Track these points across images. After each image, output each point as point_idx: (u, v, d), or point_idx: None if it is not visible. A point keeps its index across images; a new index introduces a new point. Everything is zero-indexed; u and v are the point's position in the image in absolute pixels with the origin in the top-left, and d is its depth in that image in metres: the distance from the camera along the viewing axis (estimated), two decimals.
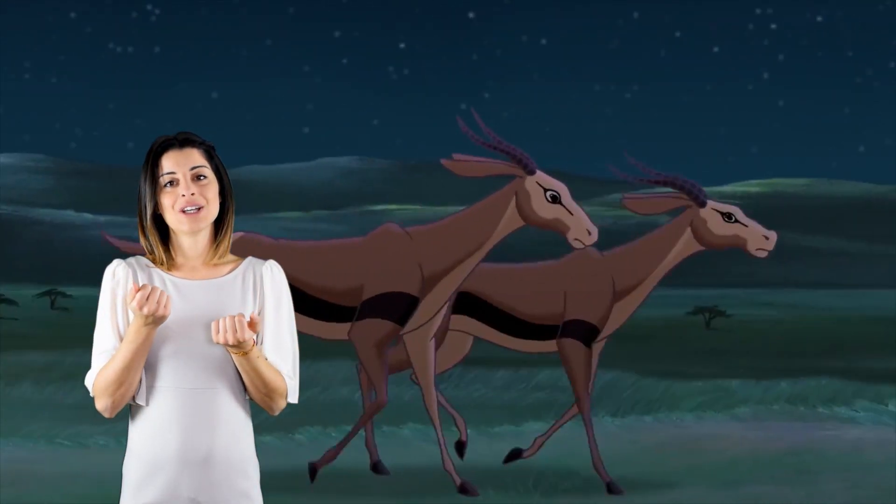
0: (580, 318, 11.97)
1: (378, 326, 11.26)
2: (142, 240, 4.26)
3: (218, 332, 4.05)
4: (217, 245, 4.29)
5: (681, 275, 12.03)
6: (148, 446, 4.14)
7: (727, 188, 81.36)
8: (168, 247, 4.27)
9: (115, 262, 4.25)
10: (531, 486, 11.83)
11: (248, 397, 4.25)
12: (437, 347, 12.02)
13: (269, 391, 4.16)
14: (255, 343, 4.11)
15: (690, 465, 12.58)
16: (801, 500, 11.50)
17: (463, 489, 11.52)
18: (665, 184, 11.89)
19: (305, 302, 11.10)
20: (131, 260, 4.27)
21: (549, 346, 12.28)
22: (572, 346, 11.93)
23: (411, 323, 11.44)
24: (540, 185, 11.34)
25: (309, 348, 12.32)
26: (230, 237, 4.34)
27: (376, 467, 12.15)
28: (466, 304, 12.17)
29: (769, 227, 11.74)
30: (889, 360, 13.41)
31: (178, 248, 4.26)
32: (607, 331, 12.05)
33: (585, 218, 11.34)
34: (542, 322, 12.19)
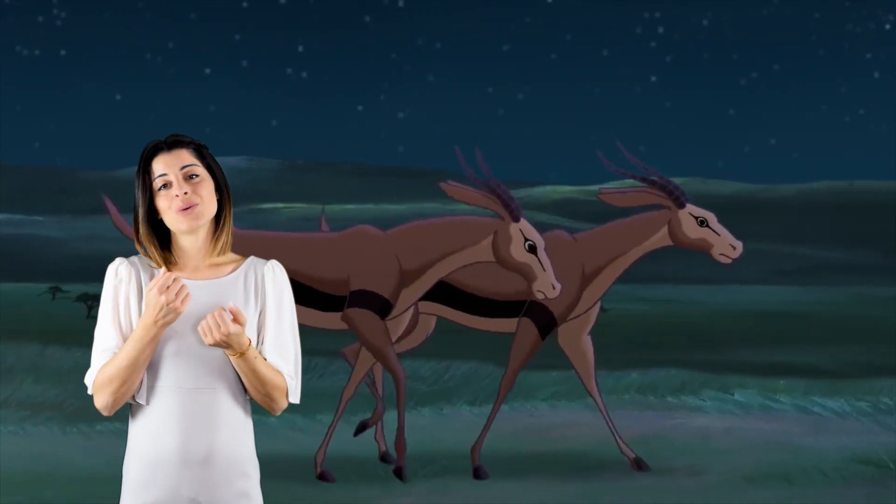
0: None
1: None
2: (138, 247, 4.21)
3: (206, 334, 4.00)
4: (216, 240, 4.24)
5: None
6: (148, 446, 4.08)
7: (607, 186, 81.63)
8: (169, 250, 4.21)
9: (118, 260, 4.21)
10: (391, 472, 11.81)
11: (248, 397, 4.20)
12: (409, 331, 12.26)
13: (269, 392, 4.11)
14: (251, 343, 4.08)
15: (544, 451, 12.67)
16: (650, 484, 11.63)
17: (399, 473, 11.55)
18: (649, 181, 11.91)
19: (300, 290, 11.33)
20: (134, 259, 4.22)
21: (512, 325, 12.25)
22: (525, 327, 11.96)
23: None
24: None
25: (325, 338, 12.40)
26: (229, 233, 4.29)
27: (385, 457, 12.17)
28: (434, 288, 12.19)
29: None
30: (737, 352, 13.60)
31: (179, 250, 4.21)
32: (574, 313, 12.03)
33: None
34: (506, 300, 12.17)
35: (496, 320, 12.28)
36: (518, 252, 11.38)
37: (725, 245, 11.90)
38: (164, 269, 4.06)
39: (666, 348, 12.62)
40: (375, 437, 12.34)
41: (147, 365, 4.04)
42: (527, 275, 11.43)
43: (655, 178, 11.90)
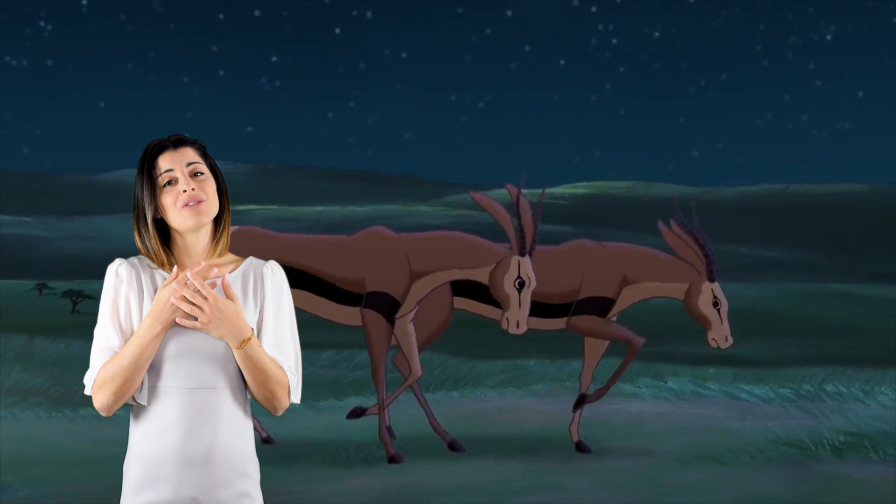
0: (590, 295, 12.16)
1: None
2: (139, 244, 3.95)
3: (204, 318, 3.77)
4: (217, 241, 4.00)
5: None
6: (149, 446, 3.83)
7: (557, 189, 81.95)
8: (170, 250, 3.97)
9: (118, 261, 3.96)
10: (353, 454, 11.89)
11: (249, 397, 3.96)
12: (442, 329, 12.37)
13: (272, 387, 3.87)
14: (253, 333, 3.85)
15: (493, 434, 12.75)
16: (589, 465, 11.66)
17: (451, 447, 11.85)
18: (697, 243, 11.92)
19: (317, 283, 11.60)
20: (134, 259, 3.97)
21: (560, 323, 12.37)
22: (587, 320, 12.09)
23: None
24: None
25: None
26: (228, 234, 4.05)
27: (390, 431, 12.08)
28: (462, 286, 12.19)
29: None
30: (671, 344, 13.67)
31: (181, 249, 3.96)
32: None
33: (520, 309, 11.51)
34: (548, 301, 12.21)
35: (540, 319, 12.25)
36: (507, 284, 11.42)
37: (721, 333, 11.97)
38: (175, 267, 3.81)
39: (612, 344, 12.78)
40: (437, 431, 12.29)
41: (148, 364, 3.81)
42: (503, 305, 11.50)
43: (702, 242, 11.96)
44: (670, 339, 13.94)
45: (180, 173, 3.88)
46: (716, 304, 11.96)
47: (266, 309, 3.97)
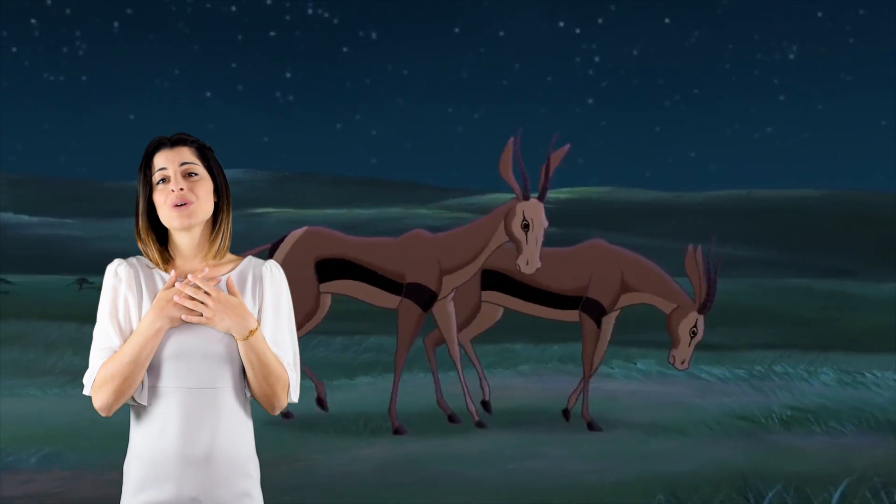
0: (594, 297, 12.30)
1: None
2: (139, 243, 3.64)
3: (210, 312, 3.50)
4: (212, 243, 3.66)
5: None
6: (149, 446, 3.51)
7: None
8: (167, 249, 3.67)
9: (117, 261, 3.64)
10: (362, 426, 12.15)
11: (249, 396, 3.63)
12: (472, 318, 12.65)
13: (273, 383, 3.55)
14: (259, 325, 3.55)
15: (483, 411, 12.82)
16: (569, 435, 11.83)
17: (451, 419, 12.11)
18: (708, 278, 12.16)
19: (369, 275, 12.02)
20: (133, 260, 3.64)
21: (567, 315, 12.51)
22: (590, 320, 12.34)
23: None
24: (520, 212, 11.64)
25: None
26: (226, 235, 3.72)
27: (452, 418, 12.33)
28: (493, 280, 12.48)
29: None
30: (641, 331, 13.79)
31: (176, 248, 3.65)
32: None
33: (534, 251, 11.59)
34: (560, 293, 12.46)
35: (551, 310, 12.53)
36: (515, 227, 11.60)
37: (682, 355, 12.16)
38: (174, 272, 3.54)
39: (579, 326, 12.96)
40: (469, 409, 12.45)
41: (149, 362, 3.49)
42: (517, 248, 11.66)
43: (712, 278, 12.18)
44: (639, 326, 14.17)
45: (172, 172, 3.59)
46: (693, 333, 12.23)
47: (265, 308, 3.65)
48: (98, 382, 3.48)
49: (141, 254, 3.68)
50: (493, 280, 12.41)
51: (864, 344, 18.94)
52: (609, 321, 12.51)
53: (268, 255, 12.29)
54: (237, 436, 3.55)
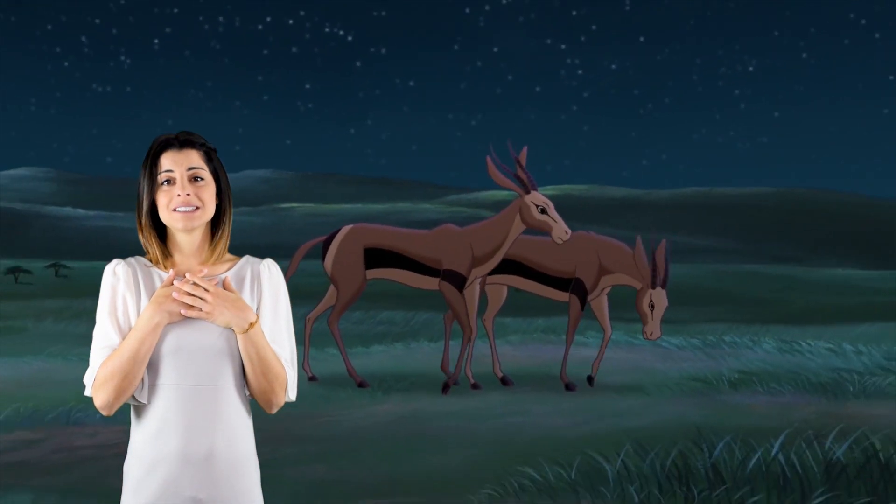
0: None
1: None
2: (140, 237, 3.25)
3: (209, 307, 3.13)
4: (214, 246, 3.27)
5: None
6: (149, 445, 3.14)
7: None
8: (166, 245, 3.27)
9: (115, 260, 3.24)
10: (376, 387, 12.31)
11: (248, 394, 3.26)
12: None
13: (271, 380, 3.18)
14: (258, 319, 3.18)
15: (477, 373, 12.99)
16: (548, 396, 11.93)
17: (446, 385, 12.23)
18: (652, 259, 12.33)
19: (410, 263, 12.30)
20: (131, 260, 3.25)
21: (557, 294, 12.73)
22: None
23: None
24: (532, 205, 11.85)
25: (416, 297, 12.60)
26: (227, 238, 3.33)
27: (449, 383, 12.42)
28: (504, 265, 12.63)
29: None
30: (613, 308, 14.01)
31: (175, 246, 3.25)
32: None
33: (563, 226, 11.83)
34: (555, 275, 12.71)
35: (548, 288, 12.70)
36: (535, 216, 11.80)
37: (648, 329, 12.32)
38: (172, 271, 3.16)
39: (563, 304, 13.14)
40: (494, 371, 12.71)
41: (148, 359, 3.10)
42: (545, 230, 11.85)
43: (656, 259, 12.33)
44: (614, 305, 14.41)
45: (179, 176, 3.19)
46: (651, 307, 12.46)
47: (263, 305, 3.27)
48: (98, 382, 3.10)
49: (139, 253, 3.31)
50: (504, 265, 12.60)
51: (802, 318, 19.09)
52: (601, 301, 12.81)
53: (322, 246, 12.63)
54: (237, 435, 3.17)
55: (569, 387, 12.26)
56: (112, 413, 3.14)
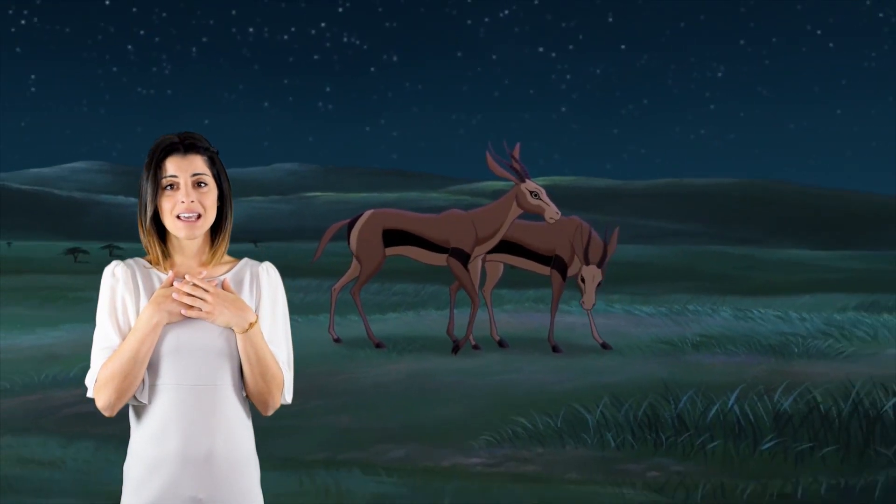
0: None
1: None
2: (142, 237, 2.88)
3: (209, 308, 2.79)
4: (214, 251, 2.91)
5: None
6: (149, 446, 2.80)
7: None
8: (166, 246, 2.91)
9: (114, 262, 2.88)
10: (391, 348, 12.37)
11: (246, 394, 2.91)
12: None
13: (269, 382, 2.84)
14: (258, 319, 2.84)
15: (477, 337, 12.96)
16: (539, 357, 11.97)
17: (455, 348, 12.25)
18: (584, 243, 12.29)
19: (422, 242, 12.43)
20: (130, 261, 2.89)
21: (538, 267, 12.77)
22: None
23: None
24: (527, 192, 11.96)
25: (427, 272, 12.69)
26: (227, 242, 2.96)
27: (458, 344, 12.43)
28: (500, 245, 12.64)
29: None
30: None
31: (176, 247, 2.89)
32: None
33: (554, 208, 11.90)
34: (538, 252, 12.75)
35: (535, 264, 12.73)
36: (530, 200, 11.93)
37: (583, 299, 12.25)
38: (171, 273, 2.80)
39: (548, 278, 13.20)
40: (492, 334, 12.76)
41: (148, 359, 2.77)
42: (538, 213, 11.97)
43: (587, 242, 12.29)
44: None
45: (183, 182, 2.83)
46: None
47: (262, 307, 2.91)
48: (100, 383, 2.77)
49: (138, 254, 2.99)
50: (500, 245, 12.64)
51: (758, 291, 19.15)
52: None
53: (347, 228, 12.82)
54: (237, 435, 2.84)
55: (555, 349, 12.35)
56: (115, 413, 2.79)
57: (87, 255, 38.34)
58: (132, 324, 2.81)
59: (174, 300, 2.75)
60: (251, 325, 2.80)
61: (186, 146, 2.84)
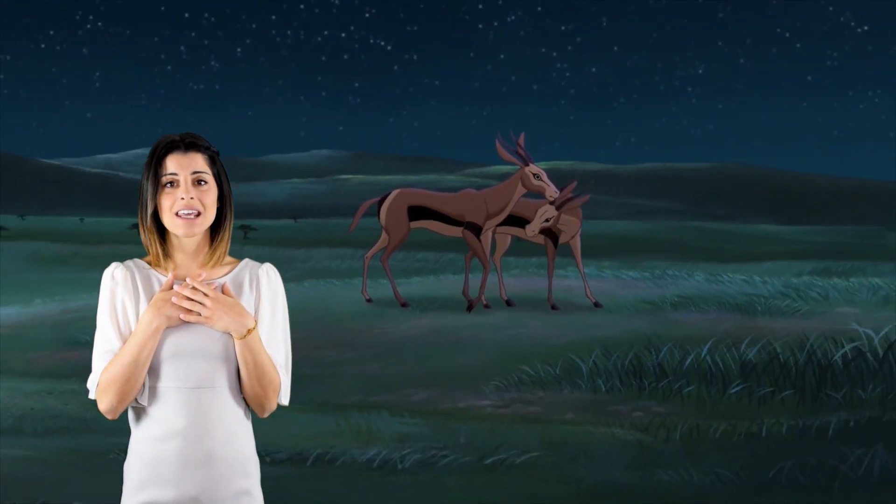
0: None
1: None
2: (142, 236, 2.56)
3: (208, 312, 2.45)
4: (213, 250, 2.57)
5: None
6: (150, 447, 2.49)
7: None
8: (166, 245, 2.56)
9: (113, 264, 2.56)
10: (416, 306, 12.34)
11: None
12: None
13: (265, 385, 2.51)
14: (256, 325, 2.50)
15: (488, 297, 12.75)
16: (541, 314, 11.88)
17: (470, 307, 12.23)
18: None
19: (442, 217, 12.49)
20: (129, 263, 2.56)
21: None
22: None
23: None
24: (530, 174, 11.97)
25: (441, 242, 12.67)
26: (227, 243, 2.61)
27: (472, 304, 12.36)
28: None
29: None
30: (591, 253, 13.79)
31: (176, 247, 2.55)
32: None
33: (553, 188, 11.92)
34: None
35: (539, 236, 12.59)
36: (533, 181, 11.94)
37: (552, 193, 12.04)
38: (171, 275, 2.48)
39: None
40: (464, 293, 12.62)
41: (149, 363, 2.46)
42: (540, 192, 11.98)
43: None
44: (592, 250, 14.28)
45: (183, 179, 2.51)
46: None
47: (261, 310, 2.57)
48: (102, 386, 2.46)
49: (138, 255, 2.65)
50: (507, 219, 12.61)
51: (728, 259, 19.13)
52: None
53: (377, 206, 12.78)
54: (237, 435, 2.53)
55: (554, 307, 12.39)
56: (117, 416, 2.49)
57: None
58: (132, 326, 2.49)
59: (173, 304, 2.44)
60: (249, 331, 2.47)
61: (187, 144, 2.54)
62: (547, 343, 10.08)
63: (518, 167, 12.25)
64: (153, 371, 2.45)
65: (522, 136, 12.27)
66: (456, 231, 12.52)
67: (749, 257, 19.70)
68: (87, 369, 2.50)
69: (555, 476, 6.36)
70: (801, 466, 6.28)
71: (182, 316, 2.44)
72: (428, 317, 11.76)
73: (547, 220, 12.18)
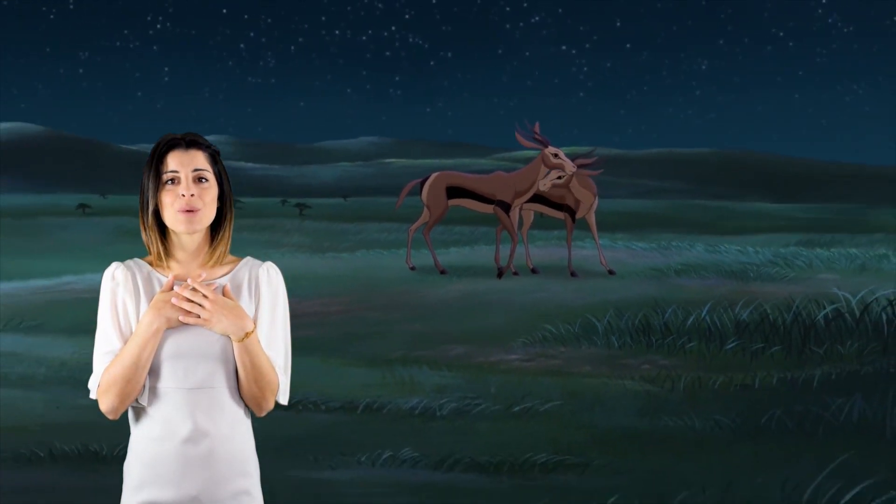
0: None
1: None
2: (143, 234, 2.31)
3: (208, 314, 2.23)
4: (213, 249, 2.32)
5: None
6: (150, 447, 2.25)
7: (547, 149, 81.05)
8: (166, 244, 2.32)
9: (114, 264, 2.31)
10: (453, 273, 12.17)
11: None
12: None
13: (263, 387, 2.27)
14: (255, 328, 2.26)
15: (516, 265, 12.56)
16: (561, 280, 11.76)
17: (500, 274, 12.10)
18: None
19: (475, 196, 12.45)
20: (130, 263, 2.31)
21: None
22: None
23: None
24: (549, 154, 11.93)
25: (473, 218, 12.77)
26: (227, 242, 2.35)
27: (500, 272, 12.23)
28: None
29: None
30: (604, 227, 13.70)
31: (176, 245, 2.31)
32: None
33: (570, 163, 11.89)
34: (558, 203, 12.59)
35: (555, 210, 12.60)
36: (553, 160, 11.90)
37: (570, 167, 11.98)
38: (171, 276, 2.25)
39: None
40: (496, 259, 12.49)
41: (150, 364, 2.23)
42: (559, 168, 11.90)
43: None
44: (605, 225, 14.11)
45: (184, 176, 2.26)
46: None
47: (261, 310, 2.32)
48: (103, 387, 2.24)
49: (138, 255, 2.39)
50: (532, 198, 12.54)
51: (726, 232, 18.93)
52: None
53: (419, 186, 12.64)
54: (237, 435, 2.29)
55: (573, 274, 12.29)
56: (118, 416, 2.27)
57: None
58: (133, 326, 2.26)
59: (173, 306, 2.21)
60: (247, 334, 2.24)
61: (188, 142, 2.30)
62: (567, 305, 10.12)
63: (539, 151, 12.23)
64: (153, 371, 2.23)
65: (537, 124, 12.27)
66: (488, 208, 12.55)
67: (743, 230, 19.55)
68: None
69: (574, 422, 6.44)
70: (789, 413, 6.32)
71: (181, 318, 2.21)
72: (463, 282, 11.75)
73: (559, 178, 12.09)
